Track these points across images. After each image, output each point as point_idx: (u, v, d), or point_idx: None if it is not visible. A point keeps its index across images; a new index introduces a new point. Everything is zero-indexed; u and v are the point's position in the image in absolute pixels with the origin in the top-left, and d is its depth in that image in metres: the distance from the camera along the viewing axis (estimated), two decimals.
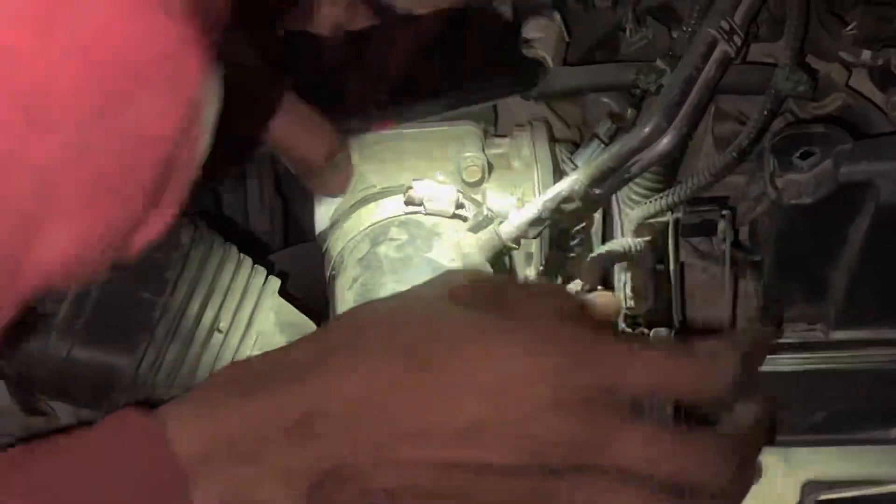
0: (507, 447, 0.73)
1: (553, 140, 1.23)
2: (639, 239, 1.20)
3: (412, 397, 0.73)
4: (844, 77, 1.14)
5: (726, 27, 1.10)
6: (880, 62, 1.12)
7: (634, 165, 1.10)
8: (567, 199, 1.12)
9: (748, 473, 0.77)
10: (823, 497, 1.10)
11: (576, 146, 1.22)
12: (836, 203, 1.05)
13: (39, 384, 1.14)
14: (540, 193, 1.17)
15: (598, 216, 1.23)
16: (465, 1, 0.87)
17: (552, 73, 1.21)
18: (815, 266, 1.13)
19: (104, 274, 0.62)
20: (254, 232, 1.38)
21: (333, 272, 1.17)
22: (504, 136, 1.24)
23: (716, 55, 1.11)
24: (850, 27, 1.12)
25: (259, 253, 1.23)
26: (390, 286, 1.10)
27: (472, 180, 1.19)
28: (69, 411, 1.20)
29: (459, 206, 1.16)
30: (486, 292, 0.80)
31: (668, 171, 1.22)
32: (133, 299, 1.10)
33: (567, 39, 1.24)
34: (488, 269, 1.14)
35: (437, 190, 1.16)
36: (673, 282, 1.21)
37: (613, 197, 1.20)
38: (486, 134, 1.23)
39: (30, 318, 0.98)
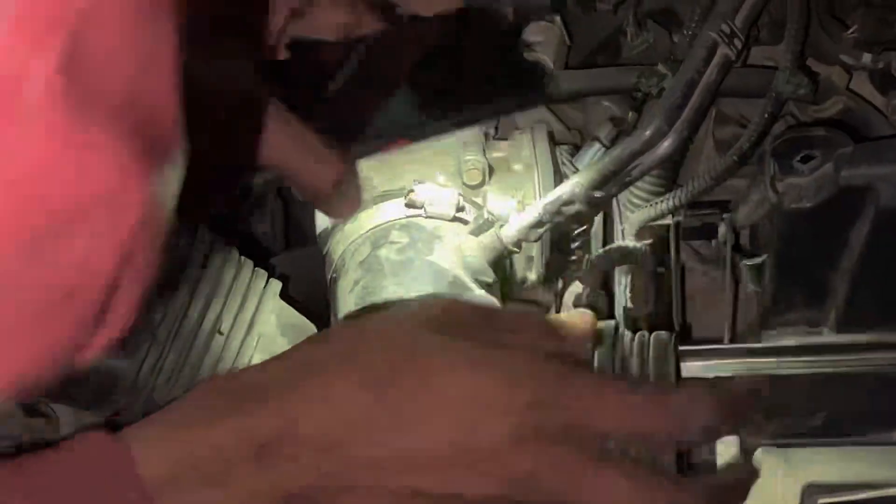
0: (472, 479, 0.73)
1: (554, 143, 1.23)
2: (640, 242, 1.20)
3: (381, 425, 0.73)
4: (845, 80, 1.14)
5: (727, 30, 1.11)
6: (881, 65, 1.12)
7: (635, 169, 1.11)
8: (568, 202, 1.12)
9: None
10: (824, 500, 1.09)
11: (577, 149, 1.23)
12: (836, 207, 1.05)
13: None
14: (541, 197, 1.17)
15: (598, 219, 1.23)
16: (466, 2, 0.86)
17: (553, 76, 1.21)
18: (815, 269, 1.11)
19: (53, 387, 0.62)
20: (255, 235, 1.38)
21: (334, 275, 1.17)
22: (505, 138, 1.24)
23: (717, 59, 1.12)
24: (850, 30, 1.12)
25: (260, 256, 1.23)
26: (391, 289, 1.11)
27: (472, 183, 1.18)
28: (69, 413, 1.20)
29: (460, 209, 1.16)
30: (464, 320, 0.79)
31: (669, 174, 1.22)
32: None
33: (568, 43, 1.24)
34: (490, 272, 1.14)
35: (438, 193, 1.16)
36: (673, 285, 1.20)
37: (614, 200, 1.20)
38: (486, 137, 1.23)
39: None
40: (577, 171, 1.18)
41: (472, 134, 1.21)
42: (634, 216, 1.20)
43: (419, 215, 1.15)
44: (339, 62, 0.86)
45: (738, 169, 1.13)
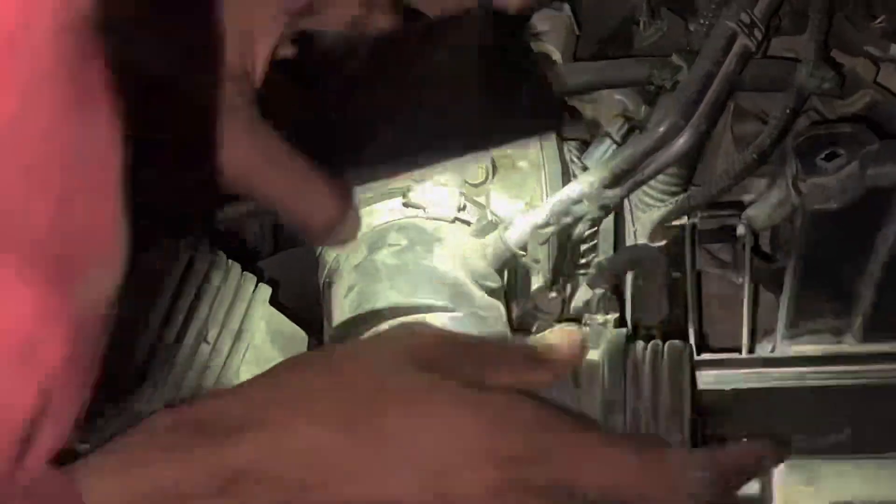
0: None
1: (562, 139, 1.21)
2: (653, 245, 1.20)
3: (352, 468, 0.71)
4: (872, 73, 1.14)
5: (746, 20, 1.11)
6: None
7: (649, 167, 1.10)
8: (577, 202, 1.12)
9: None
10: None
11: (586, 146, 1.20)
12: (863, 208, 1.04)
13: None
14: (548, 196, 1.16)
15: (609, 221, 1.22)
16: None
17: (561, 68, 1.20)
18: (840, 274, 1.10)
19: None
20: (243, 236, 1.35)
21: (328, 280, 1.16)
22: None
23: (735, 49, 1.12)
24: (878, 20, 1.13)
25: (248, 258, 1.21)
26: (388, 295, 1.10)
27: (475, 181, 1.16)
28: None
29: (462, 209, 1.15)
30: (446, 355, 0.77)
31: (685, 172, 1.21)
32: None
33: (577, 32, 1.24)
34: (494, 276, 1.14)
35: (439, 192, 1.15)
36: (689, 291, 1.18)
37: (626, 200, 1.19)
38: None
39: None
40: (586, 169, 1.16)
41: None
42: (647, 217, 1.19)
43: (418, 216, 1.14)
44: (345, 58, 0.84)
45: (758, 167, 1.12)
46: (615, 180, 1.11)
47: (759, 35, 1.11)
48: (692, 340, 1.13)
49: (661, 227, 1.19)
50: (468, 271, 1.12)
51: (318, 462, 0.70)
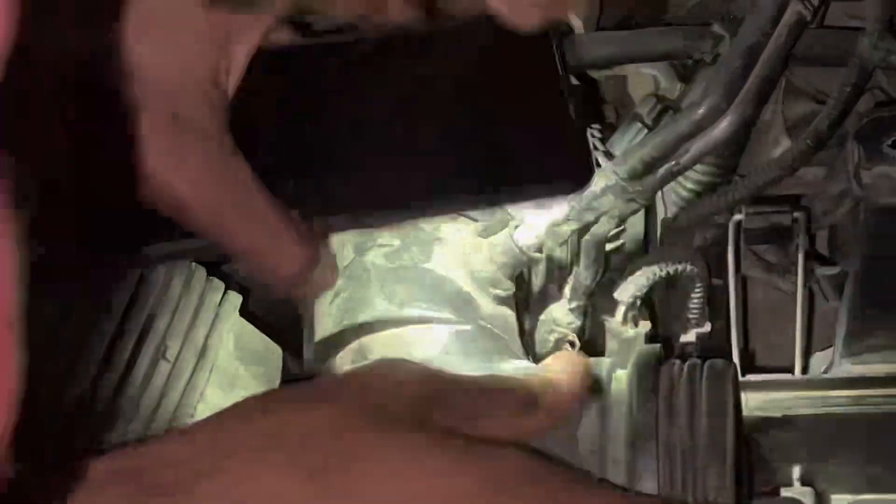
0: None
1: (584, 122, 1.11)
2: (690, 247, 1.18)
3: None
4: None
5: None
6: None
7: (685, 155, 1.07)
8: (600, 196, 1.09)
9: None
10: None
11: (612, 130, 1.19)
12: None
13: None
14: None
15: (638, 218, 1.19)
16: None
17: (583, 39, 1.17)
18: None
19: None
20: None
21: None
22: None
23: (787, 18, 1.08)
24: None
25: (215, 262, 1.14)
26: (379, 303, 1.08)
27: None
28: None
29: None
30: (435, 400, 0.71)
31: (728, 162, 1.19)
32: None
33: None
34: (504, 282, 1.11)
35: None
36: (733, 300, 1.16)
37: (658, 194, 1.16)
38: None
39: None
40: (612, 157, 1.12)
41: None
42: (683, 214, 1.18)
43: None
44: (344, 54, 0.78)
45: (814, 155, 1.09)
46: (645, 170, 1.08)
47: (815, 1, 1.08)
48: (736, 359, 1.13)
49: (699, 227, 1.18)
50: (473, 277, 1.10)
51: None
